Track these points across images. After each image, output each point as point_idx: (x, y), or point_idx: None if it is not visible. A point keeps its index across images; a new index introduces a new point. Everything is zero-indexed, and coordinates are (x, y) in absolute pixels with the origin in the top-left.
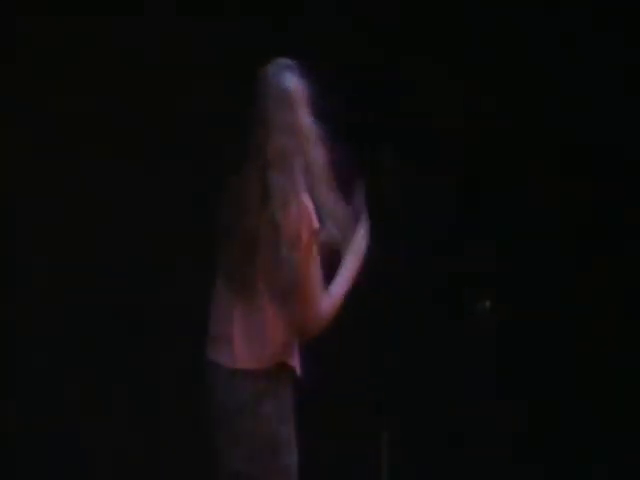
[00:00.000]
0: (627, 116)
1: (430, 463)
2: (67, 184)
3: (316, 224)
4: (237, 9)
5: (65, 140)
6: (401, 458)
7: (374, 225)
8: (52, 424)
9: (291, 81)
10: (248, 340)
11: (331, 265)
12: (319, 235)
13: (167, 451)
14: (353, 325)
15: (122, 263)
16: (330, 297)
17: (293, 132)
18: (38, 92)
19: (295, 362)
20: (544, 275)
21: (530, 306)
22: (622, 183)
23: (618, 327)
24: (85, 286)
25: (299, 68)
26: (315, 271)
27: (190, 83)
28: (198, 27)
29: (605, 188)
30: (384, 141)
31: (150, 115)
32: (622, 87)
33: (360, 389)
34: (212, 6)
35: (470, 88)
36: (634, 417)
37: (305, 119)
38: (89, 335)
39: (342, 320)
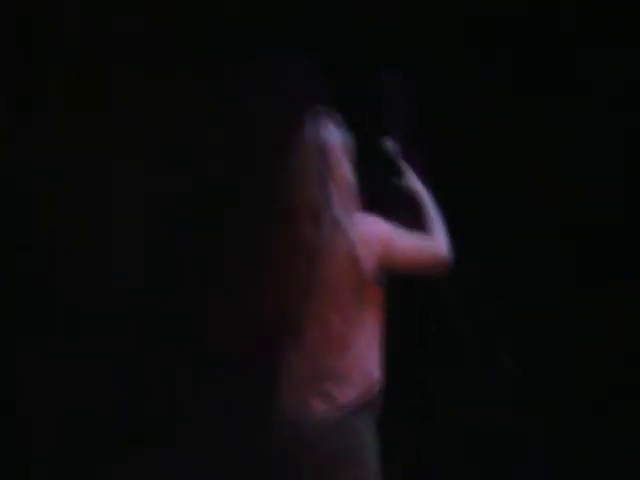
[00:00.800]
0: (627, 116)
1: (437, 465)
2: (66, 184)
3: (382, 221)
4: (237, 9)
5: (65, 140)
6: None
7: None
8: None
9: (329, 132)
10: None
11: None
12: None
13: None
14: None
15: (122, 263)
16: (434, 235)
17: (324, 182)
18: (38, 92)
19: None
20: (544, 275)
21: (530, 306)
22: (622, 183)
23: (618, 327)
24: (83, 286)
25: (337, 118)
26: (412, 241)
27: (190, 83)
28: None
29: (605, 188)
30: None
31: (150, 115)
32: (622, 87)
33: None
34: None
35: (470, 88)
36: (634, 417)
37: (341, 170)
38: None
39: None
